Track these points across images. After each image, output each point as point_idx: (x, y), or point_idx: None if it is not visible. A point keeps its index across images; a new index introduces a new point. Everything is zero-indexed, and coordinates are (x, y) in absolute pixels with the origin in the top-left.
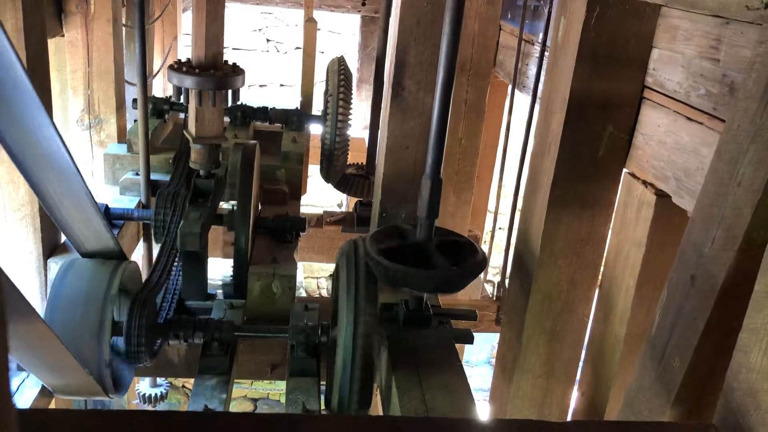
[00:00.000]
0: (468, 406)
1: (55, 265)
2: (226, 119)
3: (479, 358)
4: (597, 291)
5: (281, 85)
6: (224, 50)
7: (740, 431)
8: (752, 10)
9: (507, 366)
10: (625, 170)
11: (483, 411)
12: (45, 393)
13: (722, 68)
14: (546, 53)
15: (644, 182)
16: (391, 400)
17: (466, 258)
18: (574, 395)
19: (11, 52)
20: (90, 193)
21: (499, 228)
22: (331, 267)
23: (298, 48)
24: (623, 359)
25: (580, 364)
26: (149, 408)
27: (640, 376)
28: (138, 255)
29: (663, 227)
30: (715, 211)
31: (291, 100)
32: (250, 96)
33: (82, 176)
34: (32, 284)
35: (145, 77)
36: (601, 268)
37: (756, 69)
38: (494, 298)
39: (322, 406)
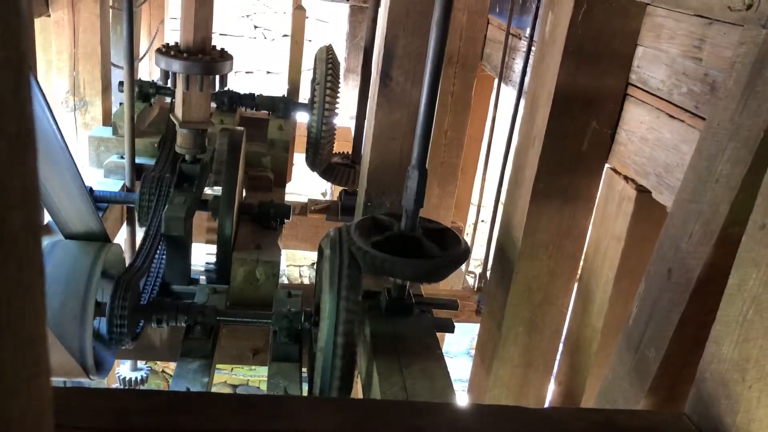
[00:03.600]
0: (447, 392)
1: None
2: (213, 105)
3: (459, 349)
4: (576, 283)
5: (268, 72)
6: (212, 35)
7: (710, 419)
8: (734, 11)
9: (486, 356)
10: (607, 165)
11: (462, 400)
12: None
13: (704, 67)
14: (533, 48)
15: (625, 177)
16: (372, 386)
17: (450, 248)
18: (551, 386)
19: None
20: (78, 173)
21: (482, 221)
22: (313, 255)
23: (285, 35)
24: (600, 351)
25: (558, 354)
26: None
27: (616, 367)
28: (121, 238)
29: (642, 222)
30: (693, 207)
31: (278, 88)
32: (236, 82)
33: (71, 155)
34: None
35: (132, 60)
36: (581, 261)
37: (737, 69)
38: (475, 289)
39: (304, 392)
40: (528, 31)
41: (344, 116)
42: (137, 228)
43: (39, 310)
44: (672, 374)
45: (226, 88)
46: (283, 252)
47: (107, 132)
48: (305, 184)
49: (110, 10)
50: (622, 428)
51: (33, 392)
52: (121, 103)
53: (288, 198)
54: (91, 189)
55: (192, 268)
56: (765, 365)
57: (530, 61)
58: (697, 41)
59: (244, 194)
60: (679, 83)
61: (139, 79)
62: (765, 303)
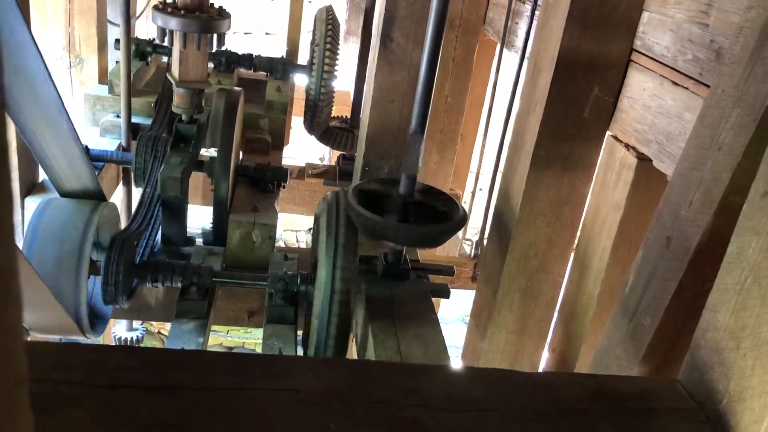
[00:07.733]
0: (442, 356)
1: (32, 203)
2: (210, 65)
3: (454, 316)
4: (573, 251)
5: (267, 33)
6: None
7: (702, 386)
8: None
9: (481, 322)
10: (608, 133)
11: (456, 364)
12: None
13: (710, 33)
14: (536, 12)
15: (626, 145)
16: (367, 350)
17: (447, 214)
18: (545, 353)
19: None
20: (74, 129)
21: (479, 189)
22: (310, 220)
23: None
24: (595, 319)
25: (553, 322)
26: None
27: (611, 334)
28: (117, 198)
29: (642, 190)
30: (694, 175)
31: (276, 50)
32: (235, 43)
33: (67, 112)
34: None
35: (129, 17)
36: (579, 229)
37: (744, 34)
38: (472, 257)
39: (299, 354)
40: None
41: (344, 80)
42: (133, 188)
43: (7, 239)
44: (667, 342)
45: (223, 48)
46: (280, 217)
47: (103, 90)
48: (303, 149)
49: None
50: (614, 393)
51: (3, 324)
52: (117, 62)
53: (286, 162)
54: (86, 147)
55: (189, 230)
56: (760, 333)
57: (533, 26)
58: (704, 6)
59: (241, 156)
60: (684, 50)
61: (136, 37)
62: (764, 271)
